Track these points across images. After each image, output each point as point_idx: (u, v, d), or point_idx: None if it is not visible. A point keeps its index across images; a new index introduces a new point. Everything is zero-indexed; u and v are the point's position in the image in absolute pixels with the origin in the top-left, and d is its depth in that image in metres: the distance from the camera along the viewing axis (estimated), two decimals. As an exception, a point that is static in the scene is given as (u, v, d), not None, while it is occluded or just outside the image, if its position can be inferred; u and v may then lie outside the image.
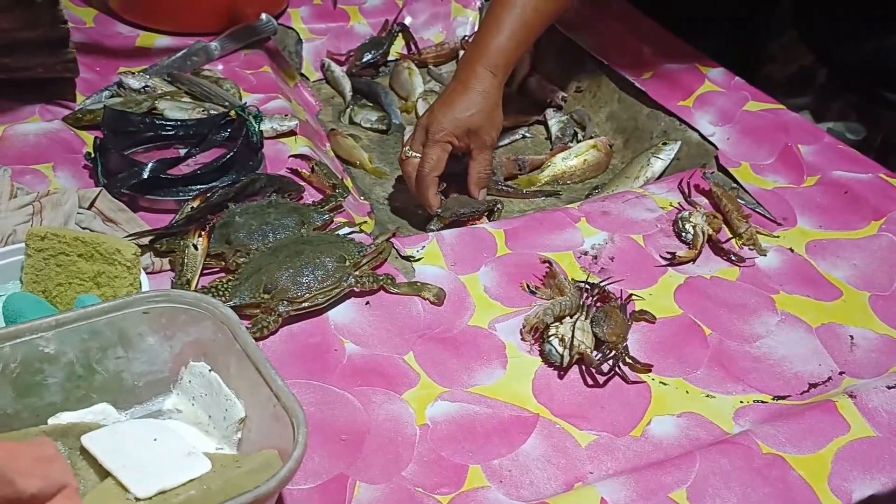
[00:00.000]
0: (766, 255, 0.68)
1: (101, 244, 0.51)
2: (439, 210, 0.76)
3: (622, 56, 0.99)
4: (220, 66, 0.94)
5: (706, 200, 0.75)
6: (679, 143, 0.87)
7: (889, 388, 0.54)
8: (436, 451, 0.51)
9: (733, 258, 0.68)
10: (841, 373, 0.57)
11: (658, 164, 0.86)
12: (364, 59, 1.09)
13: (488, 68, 0.78)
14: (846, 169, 0.77)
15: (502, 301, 0.64)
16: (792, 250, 0.69)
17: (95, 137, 0.72)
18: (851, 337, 0.60)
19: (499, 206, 0.80)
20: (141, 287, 0.53)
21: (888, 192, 0.73)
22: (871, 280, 0.66)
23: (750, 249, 0.69)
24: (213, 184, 0.70)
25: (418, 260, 0.67)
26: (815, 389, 0.56)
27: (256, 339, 0.58)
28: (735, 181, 0.78)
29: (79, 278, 0.52)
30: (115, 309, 0.47)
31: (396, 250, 0.68)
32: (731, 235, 0.69)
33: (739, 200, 0.73)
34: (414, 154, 0.78)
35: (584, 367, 0.57)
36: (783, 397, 0.56)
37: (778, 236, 0.70)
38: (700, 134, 0.86)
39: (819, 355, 0.59)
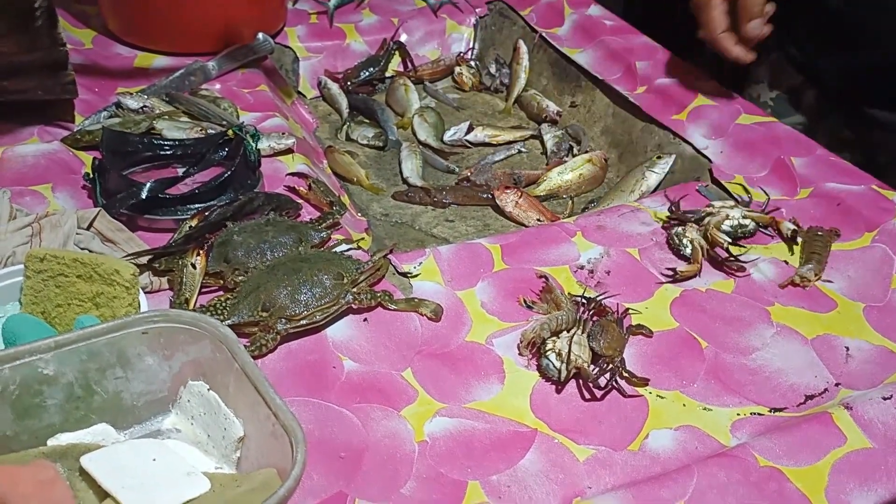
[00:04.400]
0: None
1: (99, 265, 0.52)
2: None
3: (616, 71, 1.00)
4: (218, 86, 0.95)
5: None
6: (673, 156, 0.88)
7: (885, 399, 0.54)
8: (434, 467, 0.51)
9: (732, 264, 0.68)
10: (837, 384, 0.58)
11: (653, 178, 0.87)
12: (361, 77, 1.10)
13: None
14: (839, 181, 0.78)
15: (499, 316, 0.64)
16: (787, 262, 0.70)
17: (94, 158, 0.73)
18: (847, 348, 0.61)
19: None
20: (139, 307, 0.54)
21: (880, 204, 0.74)
22: (865, 291, 0.66)
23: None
24: (212, 203, 0.71)
25: (416, 276, 0.68)
26: (812, 401, 0.56)
27: (255, 358, 0.58)
28: (729, 194, 0.79)
29: (78, 299, 0.53)
30: (113, 330, 0.47)
31: (394, 267, 0.68)
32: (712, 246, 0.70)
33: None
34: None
35: (581, 381, 0.58)
36: (780, 409, 0.56)
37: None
38: (694, 147, 0.86)
39: (815, 367, 0.59)
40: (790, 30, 0.89)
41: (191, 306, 0.60)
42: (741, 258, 0.69)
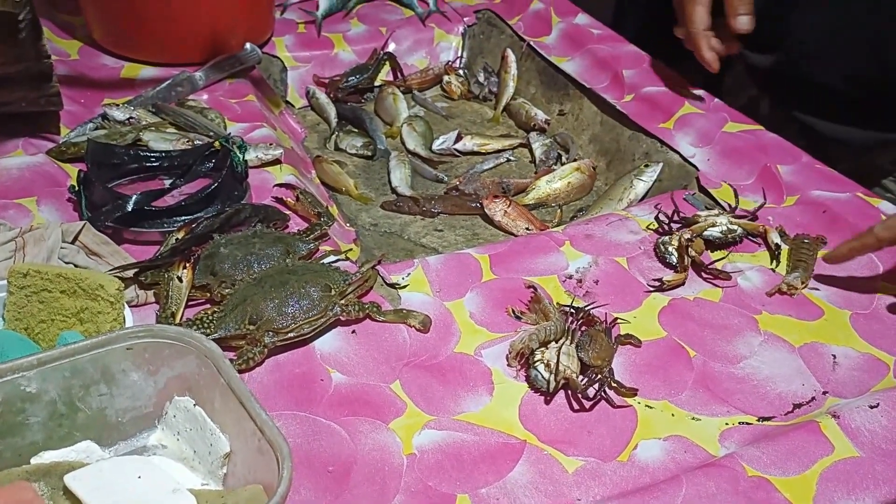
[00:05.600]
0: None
1: (83, 280, 0.51)
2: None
3: (603, 79, 1.00)
4: (205, 96, 0.94)
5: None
6: (661, 164, 0.88)
7: (871, 407, 0.54)
8: (423, 480, 0.51)
9: (714, 273, 0.68)
10: (824, 392, 0.58)
11: (641, 186, 0.87)
12: (349, 82, 1.10)
13: None
14: (824, 188, 0.79)
15: (488, 327, 0.64)
16: (773, 270, 0.70)
17: (79, 170, 0.72)
18: (834, 356, 0.61)
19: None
20: (124, 322, 0.53)
21: (865, 211, 0.74)
22: (851, 299, 0.66)
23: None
24: (198, 215, 0.70)
25: (404, 287, 0.67)
26: (800, 410, 0.56)
27: (242, 371, 0.58)
28: (716, 202, 0.79)
29: (61, 315, 0.52)
30: (97, 346, 0.47)
31: (382, 278, 0.68)
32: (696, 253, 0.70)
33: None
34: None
35: (570, 392, 0.58)
36: (768, 418, 0.56)
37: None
38: (681, 155, 0.87)
39: (802, 375, 0.59)
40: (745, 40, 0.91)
41: (177, 320, 0.60)
42: (726, 266, 0.69)
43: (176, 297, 0.61)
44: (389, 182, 0.96)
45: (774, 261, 0.71)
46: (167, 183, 0.75)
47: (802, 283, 0.67)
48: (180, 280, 0.62)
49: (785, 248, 0.71)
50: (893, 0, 0.76)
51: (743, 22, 0.84)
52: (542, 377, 0.57)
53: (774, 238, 0.72)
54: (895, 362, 0.60)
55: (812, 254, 0.70)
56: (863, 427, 0.53)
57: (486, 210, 0.88)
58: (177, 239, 0.67)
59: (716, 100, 0.92)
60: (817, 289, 0.67)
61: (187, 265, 0.63)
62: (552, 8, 1.14)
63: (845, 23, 0.71)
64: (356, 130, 1.06)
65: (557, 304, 0.66)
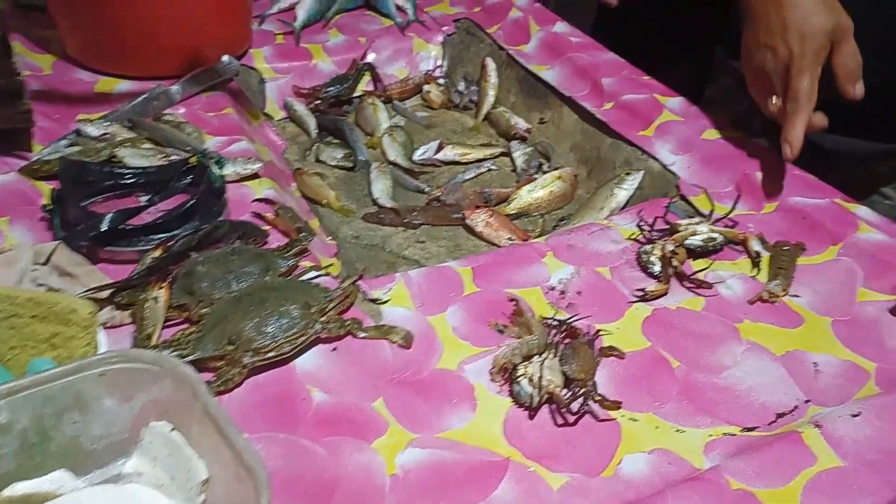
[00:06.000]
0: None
1: (55, 304, 0.50)
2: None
3: (582, 87, 1.00)
4: (182, 110, 0.93)
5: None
6: (642, 172, 0.88)
7: (853, 416, 0.54)
8: (407, 501, 0.50)
9: (696, 282, 0.68)
10: (807, 401, 0.58)
11: (622, 194, 0.87)
12: (329, 93, 1.09)
13: None
14: (803, 195, 0.79)
15: (471, 341, 0.63)
16: (754, 278, 0.70)
17: (53, 189, 0.71)
18: (815, 364, 0.61)
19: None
20: (98, 347, 0.52)
21: (844, 217, 0.75)
22: (832, 305, 0.67)
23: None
24: (175, 232, 0.69)
25: (385, 302, 0.67)
26: (783, 419, 0.56)
27: (221, 393, 0.57)
28: (696, 210, 0.79)
29: (33, 340, 0.51)
30: (69, 373, 0.45)
31: (363, 293, 0.67)
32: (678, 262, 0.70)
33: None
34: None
35: (554, 406, 0.57)
36: (751, 429, 0.56)
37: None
38: (661, 163, 0.87)
39: (785, 384, 0.59)
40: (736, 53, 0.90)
41: (154, 341, 0.59)
42: (707, 275, 0.69)
43: (152, 318, 0.60)
44: (371, 193, 0.95)
45: (755, 268, 0.71)
46: (143, 200, 0.74)
47: (783, 290, 0.67)
48: (156, 301, 0.61)
49: (765, 255, 0.72)
50: (882, 15, 0.76)
51: (860, 90, 0.74)
52: (526, 392, 0.57)
53: (755, 245, 0.72)
54: (876, 369, 0.60)
55: (792, 261, 0.70)
56: (846, 436, 0.53)
57: (467, 221, 0.88)
58: (153, 258, 0.66)
59: (694, 107, 0.92)
60: (798, 296, 0.68)
61: (164, 285, 0.62)
62: (531, 17, 1.14)
63: None
64: (337, 141, 1.05)
65: (540, 316, 0.65)
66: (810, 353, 0.62)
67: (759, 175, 0.81)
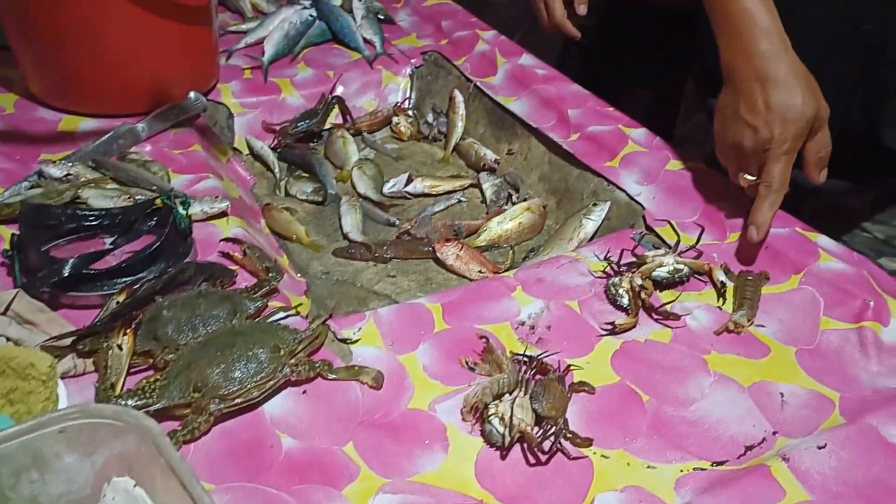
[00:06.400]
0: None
1: (12, 359, 0.49)
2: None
3: (549, 118, 1.02)
4: (149, 147, 0.92)
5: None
6: (608, 203, 0.89)
7: (819, 448, 0.55)
8: (378, 550, 0.49)
9: (664, 314, 0.69)
10: (774, 433, 0.59)
11: (590, 226, 0.88)
12: (298, 127, 1.09)
13: (773, 45, 0.70)
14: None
15: (442, 380, 0.63)
16: (720, 308, 0.71)
17: (13, 233, 0.70)
18: (782, 394, 0.62)
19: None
20: (58, 401, 0.51)
21: (805, 246, 0.76)
22: (796, 335, 0.68)
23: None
24: (140, 275, 0.68)
25: (355, 342, 0.66)
26: (751, 452, 0.57)
27: (187, 442, 0.56)
28: (662, 241, 0.80)
29: (-10, 396, 0.50)
30: (27, 431, 0.44)
31: (333, 333, 0.67)
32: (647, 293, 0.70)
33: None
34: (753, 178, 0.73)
35: (525, 445, 0.57)
36: (721, 463, 0.56)
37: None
38: (627, 194, 0.88)
39: (753, 416, 0.60)
40: (709, 90, 0.92)
41: (117, 391, 0.58)
42: (675, 306, 0.70)
43: (116, 366, 0.59)
44: (341, 228, 0.95)
45: (721, 298, 0.72)
46: (107, 242, 0.73)
47: (749, 320, 0.69)
48: (120, 348, 0.60)
49: (730, 285, 0.73)
50: (867, 54, 0.78)
51: (824, 177, 0.74)
52: (497, 432, 0.57)
53: (719, 276, 0.73)
54: (840, 398, 0.61)
55: (756, 290, 0.72)
56: (812, 469, 0.54)
57: (438, 254, 0.88)
58: (117, 302, 0.65)
59: (657, 138, 0.94)
60: (763, 325, 0.69)
61: (128, 331, 0.61)
62: (497, 49, 1.16)
63: (817, 73, 0.72)
64: (306, 175, 1.05)
65: (511, 352, 0.65)
66: (777, 383, 0.63)
67: (722, 205, 0.83)
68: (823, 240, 0.77)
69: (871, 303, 0.68)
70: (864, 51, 0.77)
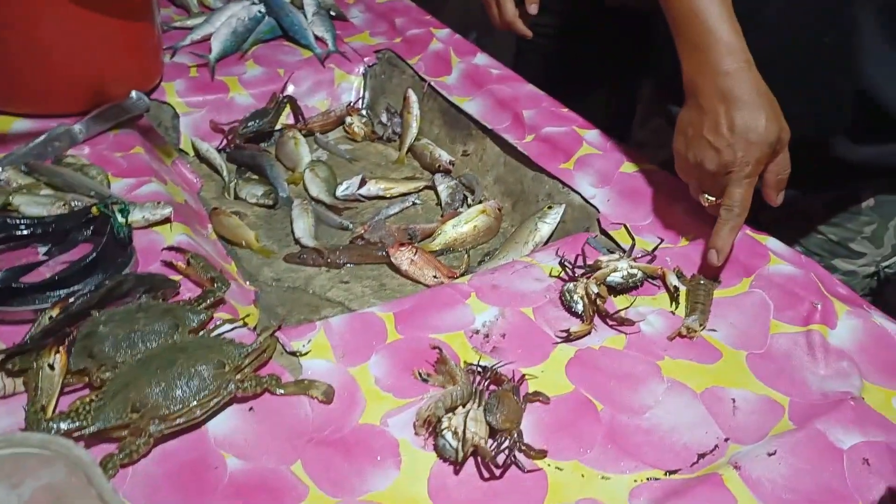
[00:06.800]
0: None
1: (-71, 385, 0.46)
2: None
3: (504, 119, 1.01)
4: (87, 150, 0.88)
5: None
6: (563, 206, 0.89)
7: (769, 454, 0.55)
8: (327, 574, 0.48)
9: (618, 320, 0.69)
10: (726, 439, 0.59)
11: (545, 229, 0.88)
12: (248, 127, 1.06)
13: (737, 63, 0.69)
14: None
15: (394, 392, 0.61)
16: (673, 313, 0.71)
17: (-64, 245, 0.66)
18: (733, 400, 0.62)
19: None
20: (-19, 429, 0.48)
21: (755, 249, 0.77)
22: (746, 339, 0.68)
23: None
24: (76, 288, 0.65)
25: (305, 354, 0.64)
26: (704, 459, 0.57)
27: (125, 466, 0.53)
28: (616, 244, 0.80)
29: None
30: (-56, 466, 0.41)
31: (282, 346, 0.65)
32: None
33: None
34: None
35: (479, 459, 0.56)
36: (674, 472, 0.56)
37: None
38: (582, 197, 0.88)
39: (705, 422, 0.60)
40: (666, 95, 0.92)
41: (48, 414, 0.54)
42: (629, 312, 0.70)
43: (47, 387, 0.55)
44: (292, 232, 0.92)
45: (674, 303, 0.72)
46: (41, 252, 0.69)
47: (701, 325, 0.69)
48: (52, 368, 0.56)
49: (683, 289, 0.73)
50: (824, 66, 0.79)
51: (781, 199, 0.74)
52: (451, 446, 0.56)
53: (672, 280, 0.73)
54: (790, 403, 0.62)
55: (709, 294, 0.72)
56: (763, 477, 0.54)
57: (392, 259, 0.86)
58: (50, 317, 0.62)
59: (612, 140, 0.94)
60: (715, 330, 0.69)
61: (61, 349, 0.58)
62: (451, 48, 1.14)
63: (775, 85, 0.71)
64: (256, 178, 1.02)
65: (465, 363, 0.64)
66: (728, 388, 0.63)
67: (675, 208, 0.83)
68: (773, 242, 0.78)
69: (819, 306, 0.69)
70: (822, 63, 0.78)
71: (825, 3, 0.75)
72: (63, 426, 0.53)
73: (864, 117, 0.79)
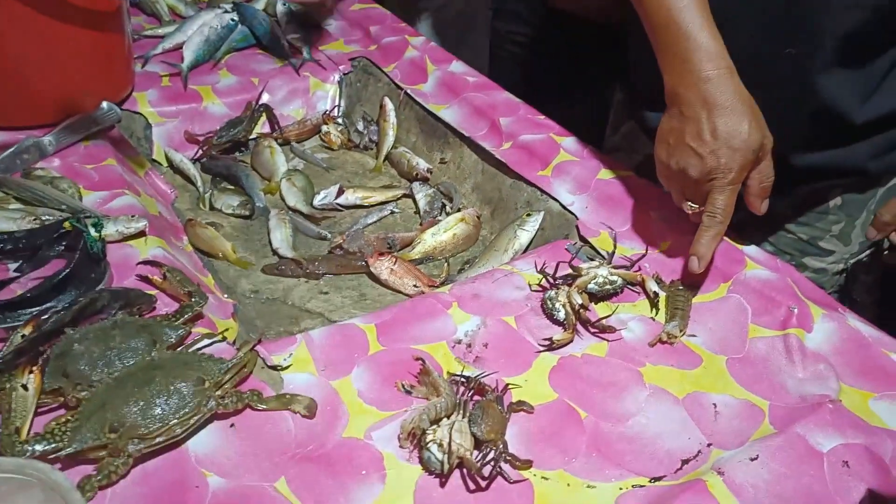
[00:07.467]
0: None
1: None
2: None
3: (481, 127, 1.01)
4: (57, 163, 0.86)
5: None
6: (542, 213, 0.89)
7: (752, 459, 0.56)
8: None
9: (602, 327, 0.69)
10: (709, 445, 0.59)
11: (524, 236, 0.88)
12: (223, 137, 1.05)
13: (718, 69, 0.68)
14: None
15: (378, 405, 0.61)
16: (654, 319, 0.72)
17: None
18: (715, 405, 0.63)
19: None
20: (-48, 455, 0.46)
21: (732, 255, 0.78)
22: (726, 343, 0.69)
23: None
24: (48, 305, 0.63)
25: (286, 368, 0.63)
26: (688, 466, 0.57)
27: (103, 487, 0.52)
28: (596, 251, 0.81)
29: None
30: (-87, 497, 0.40)
31: (262, 360, 0.64)
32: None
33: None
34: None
35: (465, 471, 0.56)
36: (658, 478, 0.56)
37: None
38: (560, 204, 0.88)
39: (688, 428, 0.61)
40: (638, 100, 0.92)
41: (23, 436, 0.53)
42: (610, 319, 0.70)
43: (21, 409, 0.54)
44: (270, 243, 0.91)
45: (654, 309, 0.73)
46: (11, 269, 0.67)
47: (681, 330, 0.69)
48: (25, 388, 0.55)
49: (663, 295, 0.74)
50: (787, 77, 0.79)
51: (766, 207, 0.74)
52: (436, 458, 0.55)
53: (652, 286, 0.74)
54: (769, 407, 0.62)
55: (688, 300, 0.73)
56: (746, 482, 0.54)
57: (371, 269, 0.86)
58: (22, 336, 0.60)
59: (588, 147, 0.95)
60: (695, 335, 0.70)
61: (34, 369, 0.56)
62: (427, 56, 1.14)
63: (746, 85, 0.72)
64: (232, 188, 1.01)
65: (448, 373, 0.64)
66: (709, 393, 0.64)
67: (653, 214, 0.84)
68: (751, 248, 0.79)
69: (796, 309, 0.71)
70: (784, 73, 0.79)
71: (791, 14, 0.76)
72: (38, 448, 0.52)
73: (820, 127, 0.80)
